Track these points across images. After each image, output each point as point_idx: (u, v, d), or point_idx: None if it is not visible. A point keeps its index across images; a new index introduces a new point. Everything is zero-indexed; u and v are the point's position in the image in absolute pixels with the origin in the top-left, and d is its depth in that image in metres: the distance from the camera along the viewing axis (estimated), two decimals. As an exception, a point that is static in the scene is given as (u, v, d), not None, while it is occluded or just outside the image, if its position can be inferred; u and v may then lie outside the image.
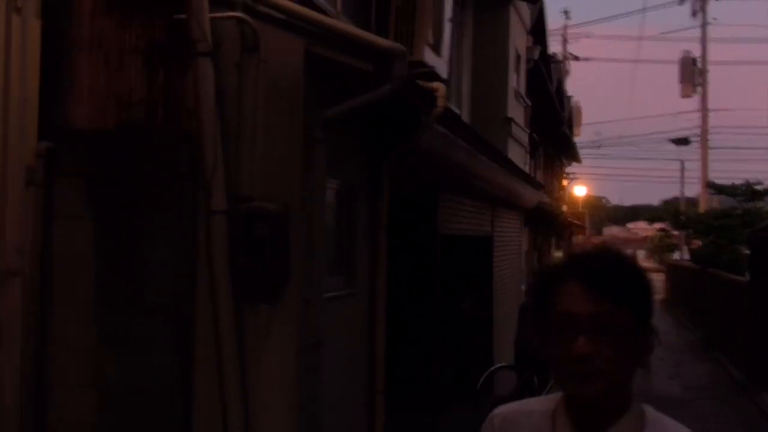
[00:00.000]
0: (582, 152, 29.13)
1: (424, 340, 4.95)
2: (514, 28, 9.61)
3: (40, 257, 3.25)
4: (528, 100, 10.65)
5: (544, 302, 1.28)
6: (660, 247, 28.71)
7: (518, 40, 9.95)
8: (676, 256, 25.62)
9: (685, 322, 16.56)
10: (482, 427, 1.41)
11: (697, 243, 18.09)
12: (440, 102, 3.92)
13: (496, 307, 7.79)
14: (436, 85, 3.98)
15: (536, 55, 10.68)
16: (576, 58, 31.00)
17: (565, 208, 22.09)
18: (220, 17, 3.22)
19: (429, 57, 5.73)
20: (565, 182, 25.24)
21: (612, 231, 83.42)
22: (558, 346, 1.23)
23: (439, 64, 6.10)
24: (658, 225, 24.98)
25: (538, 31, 11.52)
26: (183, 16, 3.18)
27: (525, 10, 10.27)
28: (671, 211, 20.42)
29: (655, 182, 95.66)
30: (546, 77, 11.99)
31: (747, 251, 11.08)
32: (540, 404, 1.38)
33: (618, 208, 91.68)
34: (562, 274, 1.27)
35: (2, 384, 3.10)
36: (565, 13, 32.72)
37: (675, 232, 23.97)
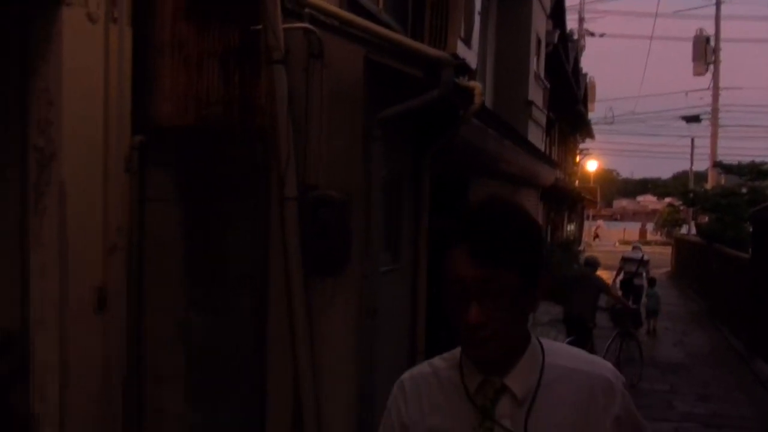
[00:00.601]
0: (595, 128, 29.43)
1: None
2: (536, 13, 9.98)
3: (136, 235, 3.80)
4: (547, 82, 11.05)
5: (442, 264, 1.28)
6: (668, 221, 29.14)
7: (539, 25, 10.32)
8: (683, 230, 26.08)
9: (691, 294, 17.10)
10: (392, 394, 1.43)
11: (704, 219, 18.55)
12: (477, 99, 4.38)
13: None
14: (473, 84, 4.44)
15: (555, 38, 11.05)
16: (591, 35, 31.10)
17: (577, 182, 22.53)
18: (290, 28, 3.70)
19: (461, 50, 6.19)
20: (578, 157, 25.59)
21: (621, 203, 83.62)
22: (454, 311, 1.25)
23: (470, 56, 6.56)
24: (667, 200, 25.37)
25: (557, 13, 11.86)
26: (259, 26, 3.66)
27: (546, -6, 10.62)
28: (681, 189, 20.83)
29: (666, 157, 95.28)
30: (564, 59, 12.35)
31: (750, 229, 11.55)
32: (444, 361, 1.40)
33: (628, 181, 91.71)
34: (453, 237, 1.26)
35: (109, 340, 3.67)
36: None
37: (683, 207, 24.39)
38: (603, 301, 8.63)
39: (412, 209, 4.52)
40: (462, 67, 5.99)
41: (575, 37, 25.37)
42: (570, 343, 7.50)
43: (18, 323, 3.41)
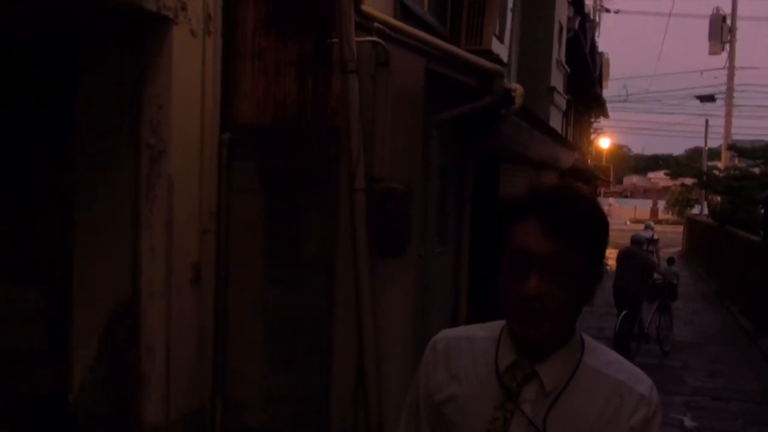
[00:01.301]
0: (608, 105, 29.65)
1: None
2: (559, 3, 10.37)
3: (224, 219, 4.37)
4: (567, 68, 11.47)
5: (504, 235, 1.28)
6: (680, 201, 29.56)
7: (561, 13, 10.72)
8: (695, 210, 26.52)
9: (702, 275, 17.60)
10: (425, 354, 1.42)
11: (716, 199, 18.98)
12: (518, 100, 4.89)
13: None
14: (515, 86, 4.94)
15: (576, 25, 11.45)
16: (606, 11, 31.16)
17: (590, 161, 22.89)
18: (361, 41, 4.22)
19: (495, 45, 6.68)
20: (591, 135, 25.89)
21: (632, 180, 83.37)
22: (510, 282, 1.24)
23: (502, 51, 7.05)
24: (680, 180, 25.77)
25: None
26: (335, 40, 4.18)
27: (569, -17, 10.99)
28: (694, 170, 21.26)
29: (678, 136, 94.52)
30: (584, 45, 12.74)
31: (762, 211, 12.03)
32: (484, 330, 1.38)
33: (639, 157, 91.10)
34: (522, 210, 1.26)
35: (201, 310, 4.27)
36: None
37: (695, 188, 24.78)
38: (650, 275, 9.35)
39: (457, 198, 5.07)
40: (497, 62, 6.50)
41: (590, 14, 25.55)
42: (624, 316, 8.59)
43: (131, 295, 4.02)
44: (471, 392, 1.32)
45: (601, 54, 22.73)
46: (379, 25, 4.23)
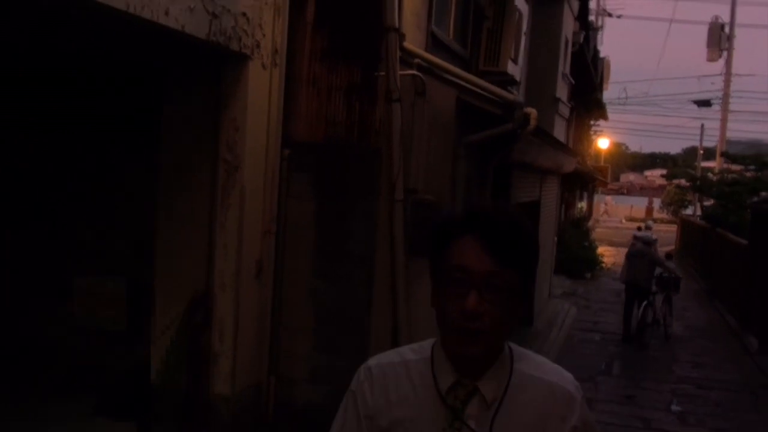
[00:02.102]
0: (609, 107, 30.41)
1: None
2: (566, 17, 11.10)
3: (282, 222, 5.11)
4: (572, 79, 12.21)
5: (440, 251, 1.31)
6: (675, 201, 30.38)
7: (567, 28, 11.44)
8: (689, 211, 27.35)
9: (693, 274, 18.40)
10: (358, 379, 1.43)
11: (710, 200, 19.75)
12: (533, 122, 5.63)
13: (539, 256, 9.70)
14: (530, 110, 5.68)
15: (581, 38, 12.17)
16: (609, 15, 31.84)
17: (589, 161, 23.67)
18: (403, 74, 4.95)
19: (510, 67, 7.42)
20: (591, 136, 26.63)
21: (629, 177, 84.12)
22: (448, 300, 1.28)
23: (516, 71, 7.80)
24: (675, 181, 26.59)
25: (582, 14, 12.94)
26: (382, 73, 4.91)
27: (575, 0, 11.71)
28: (688, 175, 22.09)
29: (676, 138, 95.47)
30: (587, 56, 13.47)
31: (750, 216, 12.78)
32: (414, 353, 1.42)
33: (636, 155, 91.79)
34: (460, 228, 1.29)
35: (261, 300, 5.01)
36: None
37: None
38: (657, 270, 10.58)
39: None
40: (511, 82, 7.26)
41: (592, 18, 26.24)
42: (644, 307, 9.96)
43: (205, 286, 4.76)
44: (415, 415, 1.36)
45: (602, 59, 23.47)
46: (419, 60, 4.97)
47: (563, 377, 1.41)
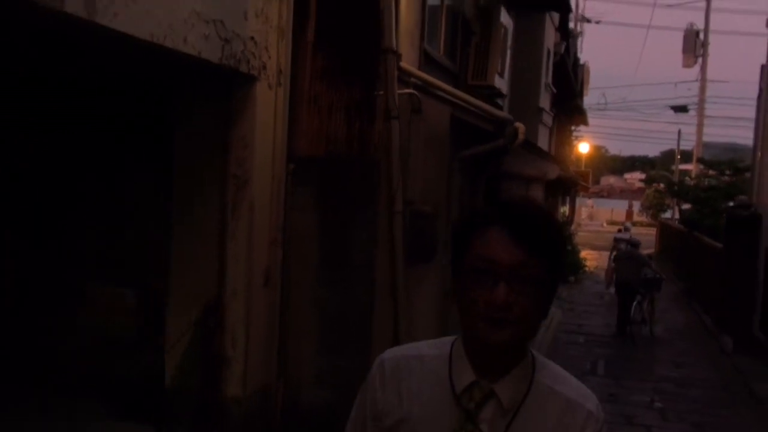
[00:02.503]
0: (589, 112, 31.03)
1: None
2: (548, 30, 11.51)
3: (287, 233, 5.40)
4: (554, 88, 12.63)
5: (464, 245, 1.29)
6: (654, 205, 31.05)
7: (549, 40, 11.86)
8: (667, 214, 28.00)
9: (672, 276, 18.92)
10: (371, 372, 1.42)
11: (687, 205, 20.34)
12: (521, 136, 5.99)
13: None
14: (518, 125, 6.04)
15: (562, 49, 12.60)
16: (588, 21, 32.52)
17: (570, 166, 24.17)
18: (401, 93, 5.28)
19: (497, 81, 7.79)
20: (572, 141, 27.16)
21: (609, 180, 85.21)
22: (475, 291, 1.25)
23: (502, 84, 8.17)
24: (654, 186, 27.25)
25: (563, 25, 13.39)
26: (381, 92, 5.22)
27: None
28: (666, 180, 22.73)
29: (654, 142, 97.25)
30: (568, 66, 13.91)
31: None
32: (430, 349, 1.39)
33: (616, 158, 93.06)
34: (486, 220, 1.28)
35: (270, 305, 5.29)
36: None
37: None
38: (645, 272, 11.27)
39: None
40: (498, 95, 7.61)
41: (572, 25, 26.82)
42: (638, 303, 10.77)
43: (217, 294, 5.03)
44: (424, 414, 1.32)
45: (582, 66, 24.02)
46: (415, 80, 5.30)
47: (585, 395, 1.36)
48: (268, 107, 5.04)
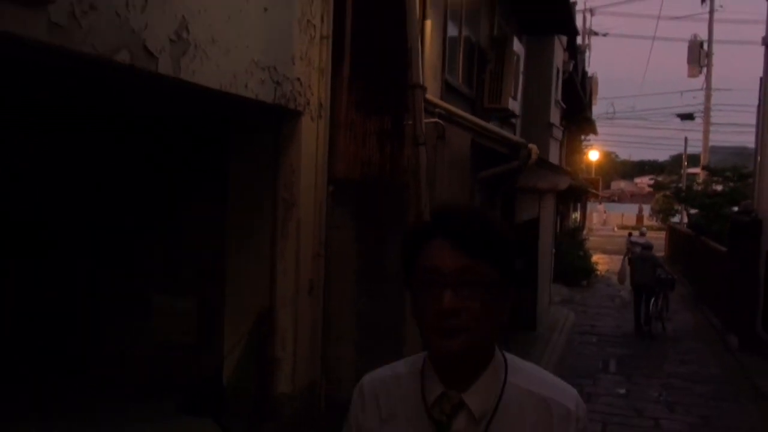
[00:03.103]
0: (597, 121, 31.63)
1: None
2: (557, 51, 12.17)
3: (328, 247, 6.08)
4: (563, 104, 13.27)
5: (411, 259, 1.31)
6: (664, 210, 31.56)
7: (558, 59, 12.52)
8: (676, 219, 28.53)
9: (681, 278, 19.46)
10: (353, 398, 1.46)
11: (695, 210, 20.88)
12: (533, 156, 6.64)
13: (540, 267, 10.72)
14: (531, 146, 6.70)
15: (570, 67, 13.26)
16: (595, 34, 33.21)
17: (580, 174, 24.75)
18: (427, 122, 5.95)
19: (511, 104, 8.45)
20: (582, 149, 27.74)
21: (620, 185, 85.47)
22: (425, 302, 1.26)
23: (516, 106, 8.83)
24: (662, 192, 27.80)
25: (571, 44, 14.05)
26: (410, 122, 5.89)
27: (564, 32, 12.81)
28: (674, 189, 23.34)
29: (662, 148, 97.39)
30: (577, 83, 14.56)
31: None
32: (407, 366, 1.42)
33: (626, 163, 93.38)
34: (428, 232, 1.30)
35: (314, 313, 5.97)
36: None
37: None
38: (660, 272, 12.39)
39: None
40: (512, 116, 8.28)
41: (579, 36, 27.45)
42: (654, 302, 11.93)
43: (269, 303, 5.71)
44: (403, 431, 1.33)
45: (590, 78, 24.65)
46: (439, 110, 5.97)
47: (563, 393, 1.34)
48: (311, 137, 5.74)
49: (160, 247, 6.17)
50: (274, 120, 5.58)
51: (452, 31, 7.28)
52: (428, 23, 6.05)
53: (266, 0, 4.89)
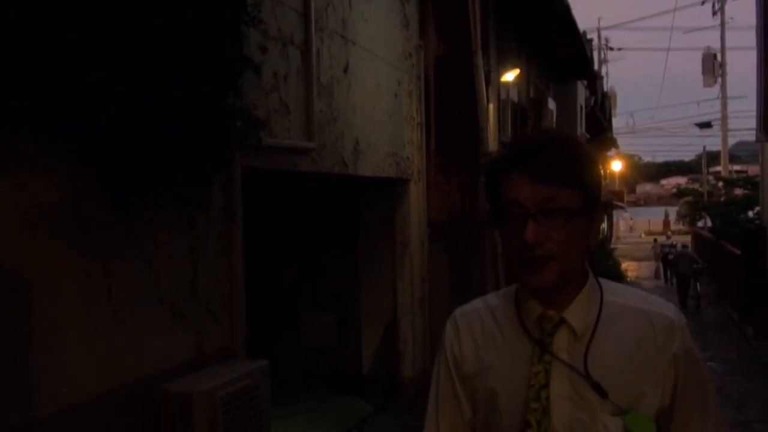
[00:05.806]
0: (618, 134, 33.50)
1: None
2: (579, 92, 14.44)
3: (429, 273, 8.41)
4: (587, 134, 15.50)
5: (494, 193, 1.31)
6: (689, 214, 33.39)
7: (581, 98, 14.79)
8: (700, 223, 30.40)
9: (705, 278, 21.39)
10: (444, 331, 1.49)
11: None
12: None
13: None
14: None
15: (591, 102, 15.48)
16: (610, 49, 35.27)
17: (605, 186, 26.73)
18: (496, 178, 8.24)
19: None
20: (604, 163, 29.66)
21: (645, 188, 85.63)
22: (510, 237, 1.28)
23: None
24: (684, 199, 29.77)
25: (590, 84, 16.31)
26: (483, 179, 8.18)
27: (586, 74, 15.09)
28: (693, 200, 25.45)
29: (683, 153, 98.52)
30: (597, 113, 16.79)
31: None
32: (498, 297, 1.45)
33: (650, 165, 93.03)
34: (506, 165, 1.29)
35: (423, 320, 8.27)
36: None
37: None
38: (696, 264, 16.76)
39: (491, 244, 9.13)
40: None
41: (597, 54, 29.45)
42: (694, 287, 16.56)
43: (393, 315, 8.04)
44: (503, 357, 1.37)
45: (607, 94, 26.48)
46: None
47: (663, 305, 1.36)
48: (415, 195, 8.11)
49: (308, 278, 8.55)
50: (391, 185, 7.97)
51: (502, 94, 9.62)
52: (491, 106, 8.39)
53: (390, 109, 7.29)
